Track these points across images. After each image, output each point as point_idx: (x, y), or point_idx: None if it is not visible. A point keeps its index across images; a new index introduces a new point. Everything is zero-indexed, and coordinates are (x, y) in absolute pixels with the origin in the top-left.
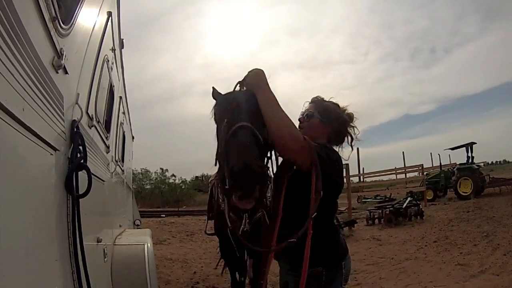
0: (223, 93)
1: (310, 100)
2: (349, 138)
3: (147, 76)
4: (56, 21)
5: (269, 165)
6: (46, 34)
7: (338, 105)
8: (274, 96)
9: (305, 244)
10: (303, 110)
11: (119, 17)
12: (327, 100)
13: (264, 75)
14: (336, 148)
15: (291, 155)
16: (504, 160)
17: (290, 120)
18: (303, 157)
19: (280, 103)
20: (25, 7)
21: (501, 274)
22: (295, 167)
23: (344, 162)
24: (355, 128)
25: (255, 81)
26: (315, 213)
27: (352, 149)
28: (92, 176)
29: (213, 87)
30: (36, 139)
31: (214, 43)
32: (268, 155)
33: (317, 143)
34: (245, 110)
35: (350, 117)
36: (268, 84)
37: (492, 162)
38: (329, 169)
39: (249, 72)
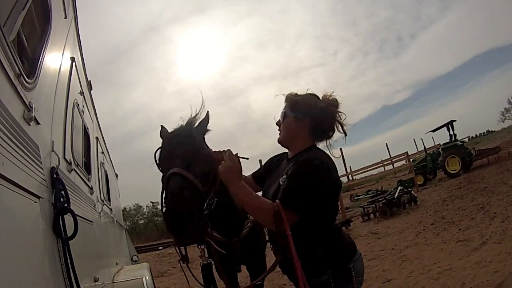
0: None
1: (285, 99)
2: (339, 125)
3: (122, 111)
4: (21, 77)
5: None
6: (13, 90)
7: (315, 96)
8: (245, 186)
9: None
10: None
11: (83, 60)
12: (302, 94)
13: (235, 168)
14: (325, 144)
15: (271, 226)
16: (488, 131)
17: (260, 201)
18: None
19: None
20: None
21: (503, 241)
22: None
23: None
24: (341, 114)
25: (229, 175)
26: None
27: (346, 134)
28: (79, 218)
29: (161, 126)
30: (19, 190)
31: (184, 68)
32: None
33: (287, 174)
34: (180, 153)
35: (331, 103)
36: (240, 175)
37: (476, 135)
38: (308, 192)
39: (222, 166)
